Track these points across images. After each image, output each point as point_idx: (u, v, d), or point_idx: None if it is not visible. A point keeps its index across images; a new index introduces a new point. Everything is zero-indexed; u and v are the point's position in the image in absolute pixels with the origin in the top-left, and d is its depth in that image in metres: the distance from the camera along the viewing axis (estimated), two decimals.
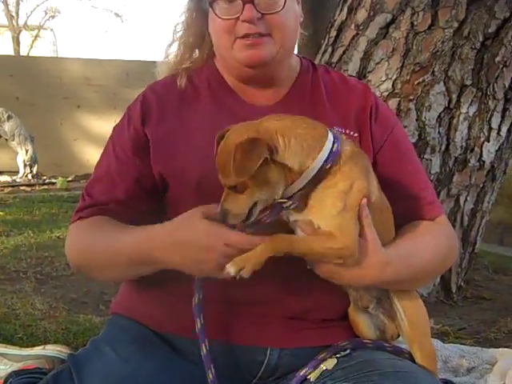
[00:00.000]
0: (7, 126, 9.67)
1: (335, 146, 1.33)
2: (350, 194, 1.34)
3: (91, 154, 11.06)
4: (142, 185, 1.60)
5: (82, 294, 3.48)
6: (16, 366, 2.02)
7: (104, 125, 11.18)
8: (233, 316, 1.52)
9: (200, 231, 1.35)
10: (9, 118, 9.66)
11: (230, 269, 1.28)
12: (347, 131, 1.56)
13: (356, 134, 1.59)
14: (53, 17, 23.48)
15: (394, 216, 1.54)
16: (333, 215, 1.33)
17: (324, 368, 1.50)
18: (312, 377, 1.49)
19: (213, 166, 1.38)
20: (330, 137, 1.34)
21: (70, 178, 9.44)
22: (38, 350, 2.11)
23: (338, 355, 1.53)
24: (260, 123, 1.33)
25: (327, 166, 1.32)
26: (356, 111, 1.62)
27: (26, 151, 9.67)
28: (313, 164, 1.31)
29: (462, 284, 3.42)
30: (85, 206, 1.65)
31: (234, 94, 1.63)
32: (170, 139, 1.58)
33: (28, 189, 8.76)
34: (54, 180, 9.49)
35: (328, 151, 1.32)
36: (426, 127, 3.04)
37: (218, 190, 1.39)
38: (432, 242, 1.57)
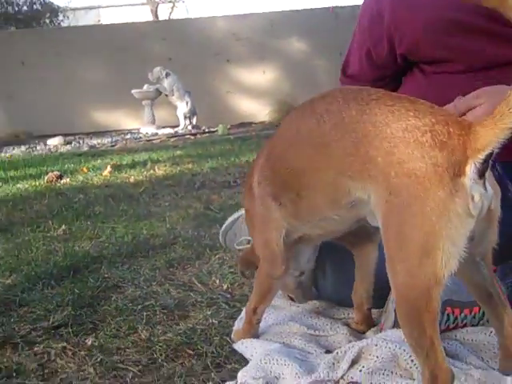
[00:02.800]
0: (166, 83, 10.18)
1: None
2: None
3: (244, 105, 11.41)
4: (371, 56, 1.81)
5: None
6: None
7: (253, 76, 11.47)
8: None
9: None
10: (167, 75, 10.15)
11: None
12: None
13: None
14: None
15: None
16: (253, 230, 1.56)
17: None
18: None
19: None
20: None
21: (228, 126, 9.76)
22: None
23: None
24: None
25: None
26: None
27: (187, 103, 10.13)
28: None
29: None
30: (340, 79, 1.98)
31: None
32: None
33: (192, 137, 9.18)
34: (212, 129, 9.88)
35: None
36: None
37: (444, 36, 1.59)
38: None
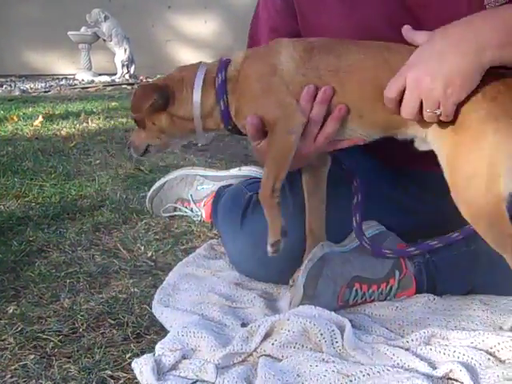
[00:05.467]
0: (105, 27, 9.86)
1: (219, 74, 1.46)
2: (262, 78, 1.43)
3: (184, 55, 11.18)
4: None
5: (228, 155, 3.68)
6: (218, 185, 2.22)
7: (195, 25, 11.24)
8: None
9: None
10: (105, 18, 9.83)
11: (269, 249, 1.47)
12: None
13: None
14: None
15: None
16: (257, 101, 1.43)
17: None
18: None
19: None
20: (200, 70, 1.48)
21: None
22: (235, 171, 2.30)
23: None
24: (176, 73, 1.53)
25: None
26: None
27: (125, 50, 9.87)
28: (193, 106, 1.47)
29: None
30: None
31: None
32: None
33: (128, 87, 8.98)
34: (150, 80, 9.70)
35: (200, 83, 1.47)
36: None
37: None
38: None
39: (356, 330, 1.44)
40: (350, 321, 1.45)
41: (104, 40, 9.99)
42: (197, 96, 1.47)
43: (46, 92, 8.53)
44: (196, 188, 2.26)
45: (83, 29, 9.99)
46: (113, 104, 6.50)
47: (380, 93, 1.34)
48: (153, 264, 1.91)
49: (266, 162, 1.44)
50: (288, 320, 1.38)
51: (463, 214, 1.32)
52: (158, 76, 8.99)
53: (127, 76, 9.94)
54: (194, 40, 11.14)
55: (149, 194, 2.35)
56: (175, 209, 2.30)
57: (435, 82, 1.27)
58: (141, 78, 9.95)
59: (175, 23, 11.34)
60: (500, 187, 1.27)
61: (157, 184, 2.34)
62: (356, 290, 1.55)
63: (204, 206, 2.21)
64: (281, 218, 1.45)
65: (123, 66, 9.94)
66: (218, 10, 11.22)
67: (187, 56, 11.12)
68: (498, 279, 1.59)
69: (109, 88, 8.89)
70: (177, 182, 2.30)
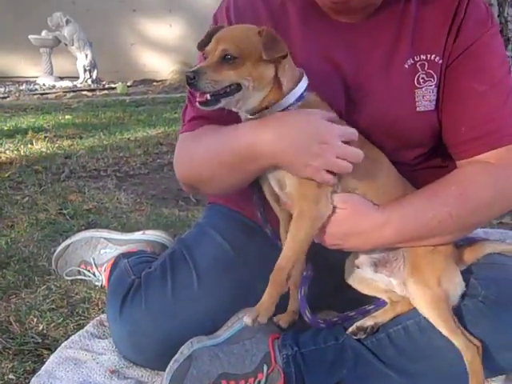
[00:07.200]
0: (66, 31, 9.76)
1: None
2: None
3: (148, 59, 11.13)
4: None
5: (160, 191, 3.67)
6: (120, 250, 2.22)
7: (160, 28, 11.15)
8: None
9: (321, 124, 1.41)
10: (67, 22, 9.73)
11: (247, 320, 1.40)
12: (432, 57, 1.56)
13: (441, 61, 1.56)
14: None
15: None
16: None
17: None
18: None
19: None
20: (305, 79, 1.45)
21: (128, 84, 9.54)
22: (138, 235, 2.29)
23: None
24: None
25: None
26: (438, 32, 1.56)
27: (86, 56, 9.78)
28: (289, 95, 1.42)
29: None
30: (190, 117, 1.74)
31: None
32: None
33: (89, 94, 8.93)
34: (113, 85, 9.63)
35: (303, 88, 1.43)
36: (508, 23, 2.98)
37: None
38: (456, 191, 1.51)
39: None
40: None
41: (65, 44, 9.89)
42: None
43: (3, 98, 8.44)
44: (99, 251, 2.25)
45: (44, 32, 9.87)
46: (66, 117, 6.47)
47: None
48: (40, 341, 1.89)
49: (289, 245, 1.44)
50: None
51: None
52: (119, 83, 8.84)
53: (89, 81, 9.86)
54: (159, 44, 11.06)
55: (55, 254, 2.33)
56: (79, 272, 2.29)
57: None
58: (103, 82, 9.87)
59: (140, 27, 11.25)
60: None
61: (62, 245, 2.32)
62: None
63: (104, 271, 2.20)
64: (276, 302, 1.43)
65: (85, 71, 9.85)
66: (182, 13, 11.12)
67: (152, 60, 11.09)
68: (363, 373, 1.61)
69: (69, 95, 8.82)
70: (81, 245, 2.29)
